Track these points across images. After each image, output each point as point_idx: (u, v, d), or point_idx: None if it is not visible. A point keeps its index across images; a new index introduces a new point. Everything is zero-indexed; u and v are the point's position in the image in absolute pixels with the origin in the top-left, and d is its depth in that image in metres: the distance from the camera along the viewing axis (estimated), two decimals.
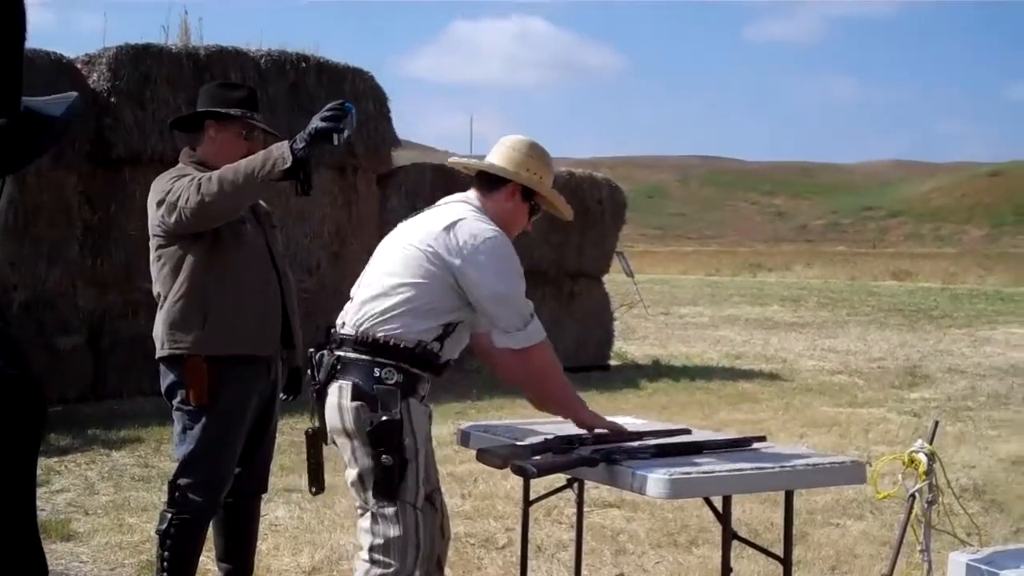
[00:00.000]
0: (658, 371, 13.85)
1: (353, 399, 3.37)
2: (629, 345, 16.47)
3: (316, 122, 3.70)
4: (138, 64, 9.85)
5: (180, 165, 4.17)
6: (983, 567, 2.57)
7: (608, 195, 13.90)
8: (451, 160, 3.83)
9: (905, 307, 26.45)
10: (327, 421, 3.47)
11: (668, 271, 47.40)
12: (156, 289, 4.14)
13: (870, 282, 39.39)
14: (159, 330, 4.09)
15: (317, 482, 3.76)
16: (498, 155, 3.65)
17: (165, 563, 4.05)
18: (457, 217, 3.49)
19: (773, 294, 31.24)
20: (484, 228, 3.46)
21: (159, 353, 4.10)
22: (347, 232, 11.32)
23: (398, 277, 3.44)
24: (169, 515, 4.06)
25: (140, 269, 9.49)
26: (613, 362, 14.37)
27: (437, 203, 3.69)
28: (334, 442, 3.50)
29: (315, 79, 10.97)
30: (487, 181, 3.63)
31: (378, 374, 3.37)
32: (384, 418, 3.32)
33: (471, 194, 3.65)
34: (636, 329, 19.32)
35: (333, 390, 3.43)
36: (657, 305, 25.12)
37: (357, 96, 11.31)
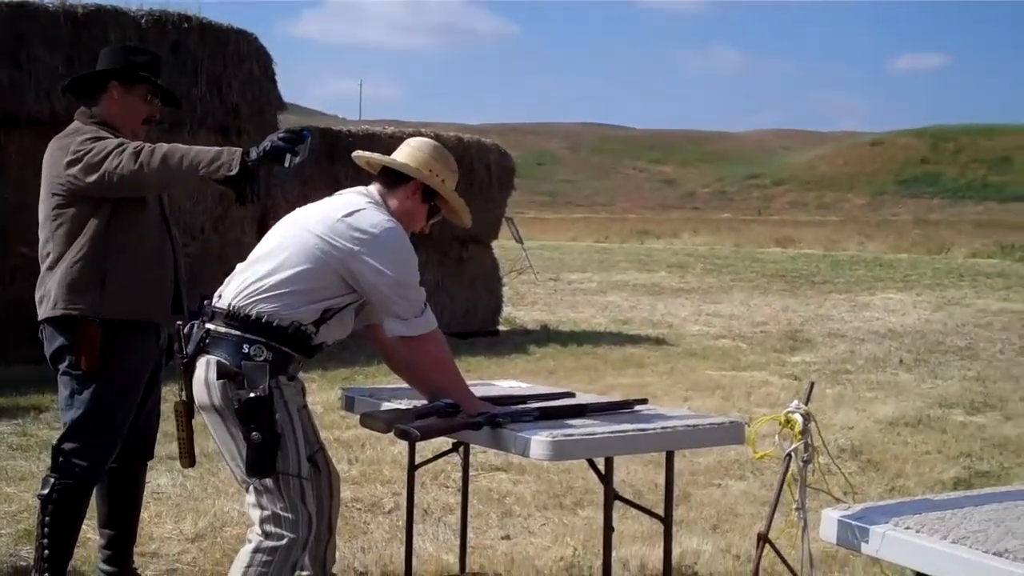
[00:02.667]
0: (546, 336, 13.95)
1: (219, 376, 3.33)
2: (518, 310, 16.55)
3: (273, 139, 3.68)
4: (13, 22, 9.54)
5: (79, 124, 4.08)
6: (854, 522, 2.63)
7: (496, 161, 13.91)
8: (356, 154, 3.81)
9: (788, 273, 26.95)
10: (195, 395, 3.42)
11: (558, 238, 47.64)
12: (47, 249, 4.02)
13: (755, 249, 40.04)
14: (53, 290, 3.97)
15: (188, 456, 3.70)
16: (402, 153, 3.67)
17: (46, 528, 3.96)
18: (356, 207, 3.49)
19: (660, 260, 31.59)
20: (382, 218, 3.48)
21: (50, 313, 3.97)
22: (231, 196, 11.12)
23: (286, 259, 3.42)
24: (52, 480, 3.97)
25: (16, 233, 9.29)
26: (502, 327, 14.43)
27: (336, 193, 3.68)
28: (201, 416, 3.46)
29: (197, 40, 10.73)
30: (390, 177, 3.64)
31: (247, 350, 3.34)
32: (251, 395, 3.29)
33: (372, 188, 3.66)
34: (525, 295, 19.42)
35: (200, 364, 3.39)
36: (546, 271, 25.27)
37: (241, 58, 11.12)
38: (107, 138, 3.92)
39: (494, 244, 14.59)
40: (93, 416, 3.96)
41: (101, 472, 4.06)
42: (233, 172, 3.70)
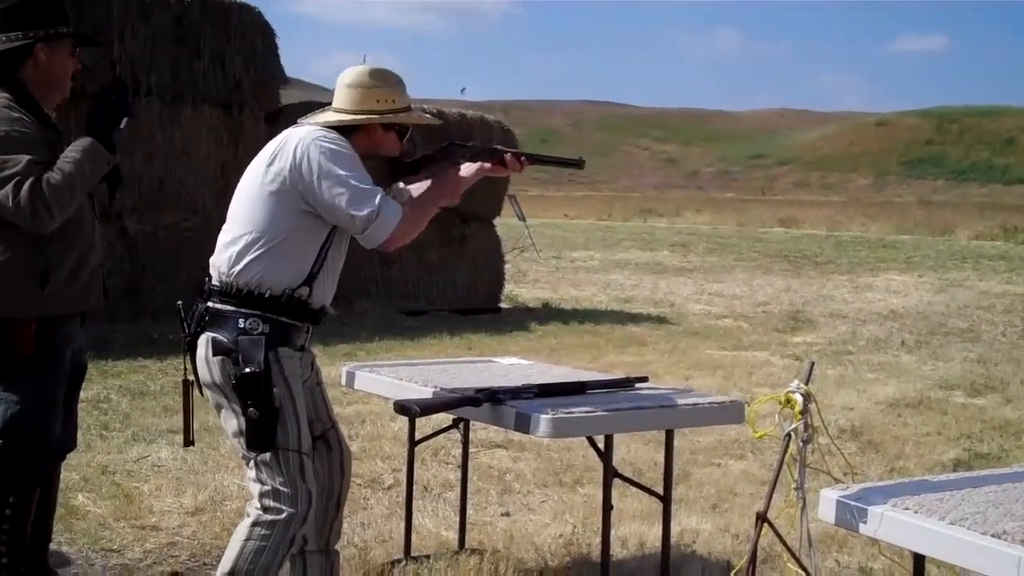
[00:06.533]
0: (548, 314, 13.94)
1: (215, 353, 3.31)
2: (520, 288, 16.55)
3: (96, 124, 3.63)
4: None
5: None
6: (853, 503, 2.62)
7: (499, 138, 13.85)
8: (300, 120, 3.55)
9: (790, 253, 26.89)
10: (199, 374, 3.41)
11: (560, 215, 47.56)
12: None
13: (757, 229, 39.95)
14: None
15: (186, 435, 3.63)
16: (342, 99, 3.47)
17: (3, 535, 3.71)
18: (286, 135, 3.42)
19: (663, 239, 31.53)
20: (310, 129, 3.38)
21: None
22: (233, 170, 11.08)
23: (246, 218, 3.39)
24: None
25: None
26: (504, 305, 14.43)
27: None
28: (206, 394, 3.44)
29: (200, 13, 10.70)
30: (343, 129, 3.43)
31: (243, 325, 3.31)
32: (246, 371, 3.26)
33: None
34: (527, 272, 19.40)
35: (201, 342, 3.37)
36: (549, 249, 25.21)
37: (244, 32, 11.09)
38: (16, 141, 3.51)
39: (496, 221, 14.57)
40: (33, 409, 3.69)
41: (47, 468, 3.83)
42: (115, 161, 3.68)
